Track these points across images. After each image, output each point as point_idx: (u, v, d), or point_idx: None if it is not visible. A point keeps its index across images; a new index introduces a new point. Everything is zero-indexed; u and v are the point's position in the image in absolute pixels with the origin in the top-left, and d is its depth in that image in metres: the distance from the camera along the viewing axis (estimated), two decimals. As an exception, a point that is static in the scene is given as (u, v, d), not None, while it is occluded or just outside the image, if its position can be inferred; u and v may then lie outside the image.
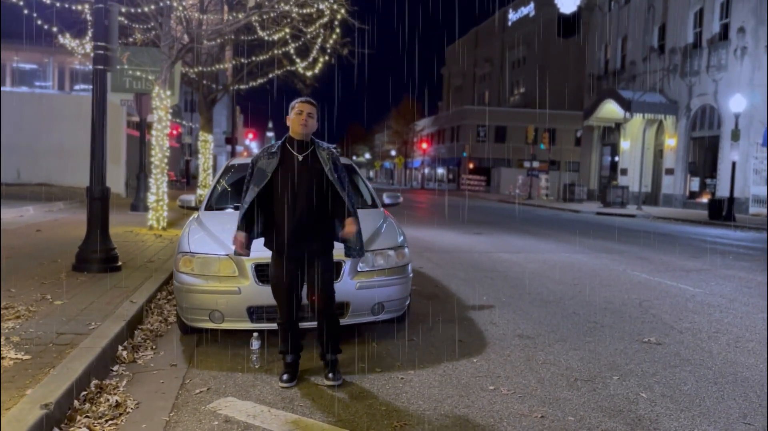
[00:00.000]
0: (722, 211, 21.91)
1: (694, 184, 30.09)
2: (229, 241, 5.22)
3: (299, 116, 4.22)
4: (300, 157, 4.24)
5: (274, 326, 5.03)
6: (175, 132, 37.33)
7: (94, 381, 4.11)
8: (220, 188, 6.68)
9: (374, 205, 6.54)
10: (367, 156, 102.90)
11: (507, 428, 3.68)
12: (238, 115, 52.23)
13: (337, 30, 14.98)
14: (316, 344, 4.54)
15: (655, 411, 3.97)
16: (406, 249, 5.51)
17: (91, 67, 7.46)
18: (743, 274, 9.64)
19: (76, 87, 33.39)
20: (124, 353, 4.84)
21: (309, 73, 17.14)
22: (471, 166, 57.79)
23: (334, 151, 4.36)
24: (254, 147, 74.45)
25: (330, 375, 4.34)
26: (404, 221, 14.65)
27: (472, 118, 59.71)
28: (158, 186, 12.31)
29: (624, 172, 34.42)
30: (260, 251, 5.07)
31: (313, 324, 4.59)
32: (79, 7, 11.80)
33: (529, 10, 62.41)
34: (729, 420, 3.85)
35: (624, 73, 35.29)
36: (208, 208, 6.35)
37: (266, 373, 4.56)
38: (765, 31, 25.28)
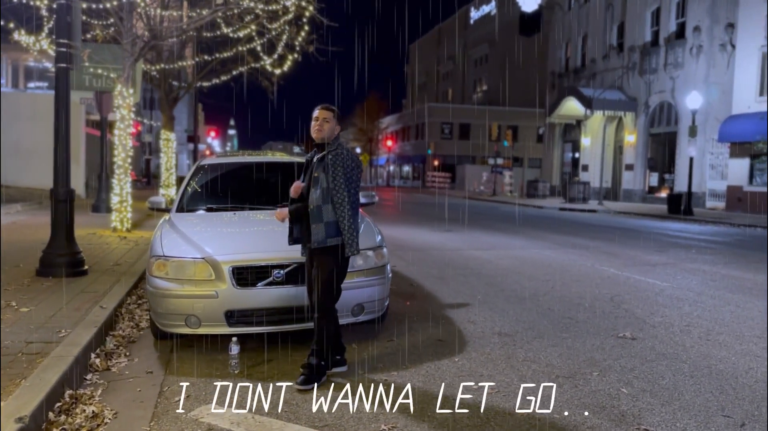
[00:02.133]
0: (680, 206, 22.50)
1: (653, 179, 30.84)
2: (204, 244, 5.12)
3: (315, 122, 4.38)
4: (315, 159, 4.40)
5: (252, 330, 4.96)
6: (134, 130, 36.53)
7: (69, 391, 3.98)
8: (191, 189, 6.53)
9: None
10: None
11: (495, 427, 3.68)
12: (200, 113, 51.38)
13: (306, 27, 14.83)
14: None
15: (637, 406, 4.03)
16: (385, 250, 5.48)
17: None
18: (707, 268, 9.90)
19: (31, 84, 32.36)
20: (98, 361, 4.69)
21: (278, 71, 16.94)
22: (436, 163, 58.10)
23: (334, 155, 4.28)
24: (216, 145, 73.39)
25: (300, 379, 4.25)
26: (373, 219, 14.58)
27: (437, 115, 60.01)
28: (122, 186, 12.00)
29: (585, 168, 35.06)
30: (237, 254, 5.00)
31: (309, 325, 4.58)
32: (37, 3, 11.41)
33: (490, 8, 62.98)
34: (708, 414, 3.93)
35: (584, 70, 35.91)
36: (180, 209, 6.21)
37: (247, 378, 4.47)
38: (720, 30, 26.03)
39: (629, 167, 31.77)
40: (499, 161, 39.66)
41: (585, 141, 34.46)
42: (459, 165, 53.90)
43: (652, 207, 26.89)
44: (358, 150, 75.71)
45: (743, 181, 24.20)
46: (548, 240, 13.60)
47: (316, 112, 4.39)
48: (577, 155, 36.71)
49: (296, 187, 4.42)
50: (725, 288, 8.12)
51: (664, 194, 27.99)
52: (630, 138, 31.54)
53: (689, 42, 27.50)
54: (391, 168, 71.95)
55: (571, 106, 32.58)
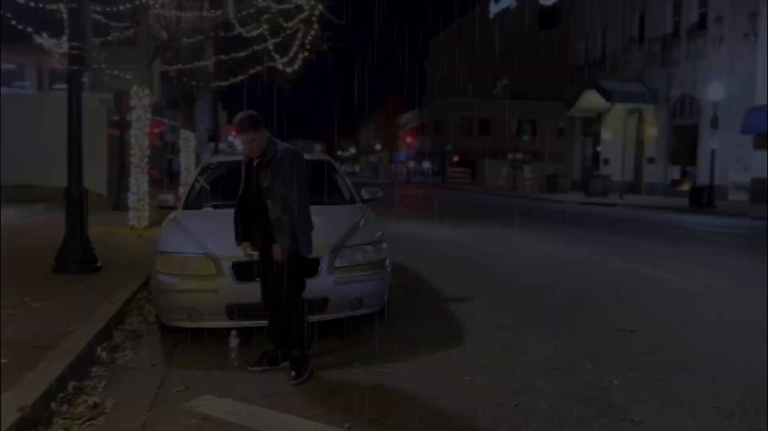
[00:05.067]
0: (703, 199, 22.19)
1: (675, 172, 30.41)
2: (206, 240, 5.25)
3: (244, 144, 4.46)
4: (255, 163, 4.52)
5: (253, 323, 5.08)
6: (157, 130, 36.99)
7: (72, 383, 4.13)
8: (198, 187, 6.68)
9: (352, 201, 6.59)
10: (353, 150, 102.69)
11: (482, 418, 3.75)
12: (221, 112, 51.87)
13: (315, 26, 14.94)
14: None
15: (626, 397, 4.06)
16: (384, 244, 5.56)
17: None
18: (720, 260, 9.80)
19: (55, 87, 32.99)
20: (103, 354, 4.85)
21: (289, 70, 17.10)
22: (456, 158, 57.88)
23: (274, 163, 4.35)
24: (239, 144, 74.05)
25: (292, 374, 4.36)
26: (389, 215, 14.67)
27: (456, 110, 59.76)
28: (138, 185, 12.25)
29: (606, 161, 34.62)
30: (237, 249, 5.11)
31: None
32: (55, 7, 11.67)
33: (510, 2, 62.47)
34: (697, 405, 3.94)
35: (605, 63, 35.50)
36: (186, 207, 6.36)
37: (245, 371, 4.59)
38: (742, 20, 25.54)
39: (651, 160, 31.34)
40: (519, 156, 39.41)
41: (606, 134, 34.04)
42: (479, 160, 53.59)
43: (674, 200, 26.51)
44: (377, 146, 75.71)
45: (768, 173, 23.75)
46: (563, 234, 13.54)
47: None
48: (598, 149, 36.31)
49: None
50: (734, 282, 8.05)
51: (686, 187, 27.56)
52: (651, 131, 31.09)
53: (711, 32, 27.03)
54: (411, 164, 71.86)
55: (592, 99, 32.24)
